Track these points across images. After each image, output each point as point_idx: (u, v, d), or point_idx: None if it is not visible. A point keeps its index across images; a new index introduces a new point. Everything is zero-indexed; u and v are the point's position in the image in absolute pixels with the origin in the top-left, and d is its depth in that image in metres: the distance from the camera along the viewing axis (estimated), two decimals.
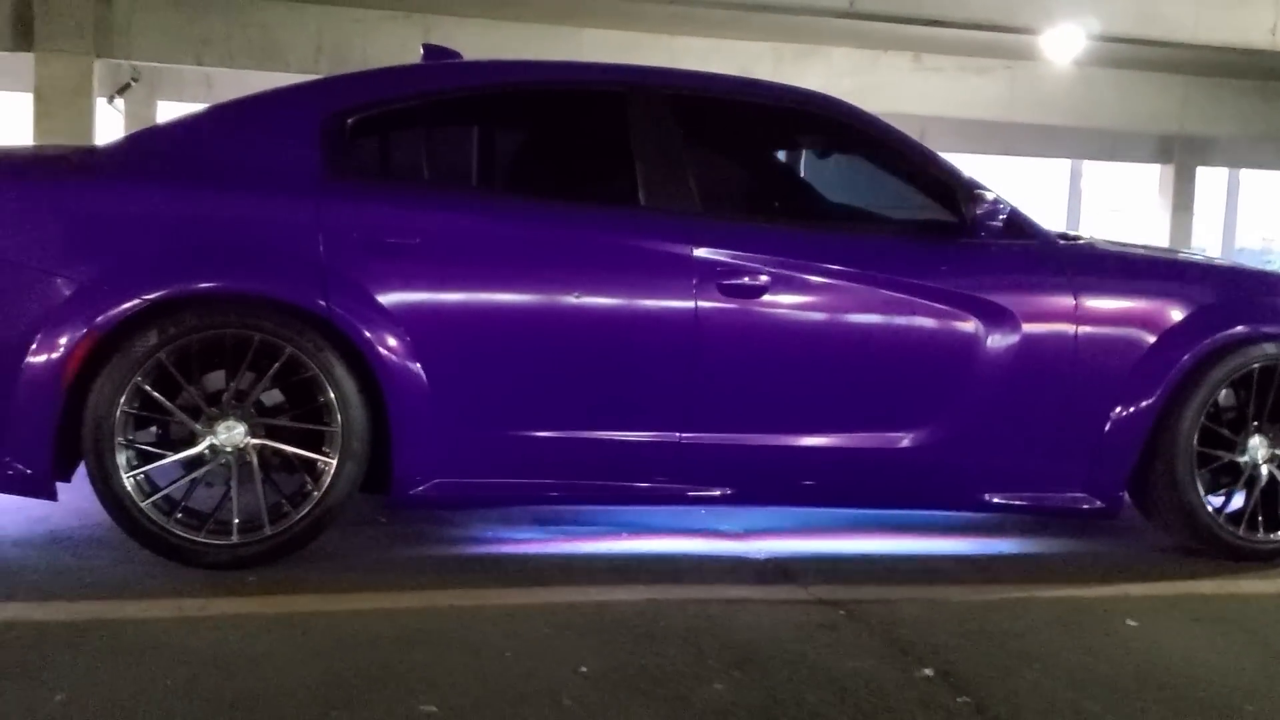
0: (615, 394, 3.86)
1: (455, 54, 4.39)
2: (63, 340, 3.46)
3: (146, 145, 3.91)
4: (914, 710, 2.88)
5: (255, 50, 14.69)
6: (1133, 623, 3.61)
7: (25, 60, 14.27)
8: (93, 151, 3.90)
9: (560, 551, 4.07)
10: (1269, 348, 4.25)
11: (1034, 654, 3.29)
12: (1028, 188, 37.00)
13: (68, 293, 3.48)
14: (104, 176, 3.69)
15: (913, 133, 16.68)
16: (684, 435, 3.91)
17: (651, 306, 3.86)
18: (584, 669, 3.03)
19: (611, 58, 15.33)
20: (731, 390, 3.93)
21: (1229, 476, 4.35)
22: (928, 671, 3.12)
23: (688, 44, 16.03)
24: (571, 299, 3.80)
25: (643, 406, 3.88)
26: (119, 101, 20.70)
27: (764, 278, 3.89)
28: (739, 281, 3.87)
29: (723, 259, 3.86)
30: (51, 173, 3.71)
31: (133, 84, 20.48)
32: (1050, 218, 30.79)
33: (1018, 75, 17.06)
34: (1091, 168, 32.38)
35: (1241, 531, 4.28)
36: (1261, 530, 4.32)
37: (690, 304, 3.84)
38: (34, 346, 3.45)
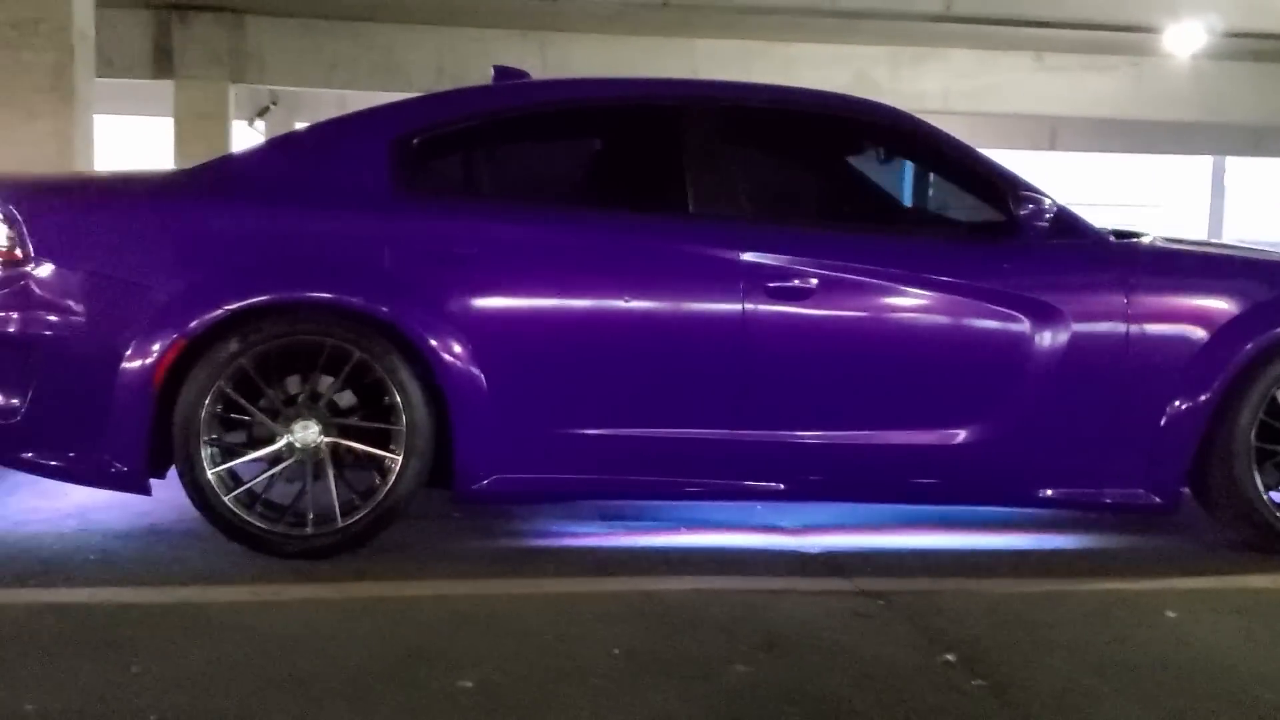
0: (667, 393, 4.04)
1: (523, 74, 4.62)
2: (154, 347, 3.77)
3: (234, 167, 4.23)
4: (927, 692, 3.01)
5: (380, 72, 15.23)
6: (1171, 614, 3.66)
7: (165, 87, 15.04)
8: (184, 173, 4.21)
9: (619, 545, 4.27)
10: None
11: (1062, 642, 3.38)
12: (1169, 185, 36.09)
13: (158, 304, 3.80)
14: (190, 198, 4.02)
15: (1043, 132, 16.84)
16: (736, 432, 4.07)
17: (701, 309, 4.03)
18: (617, 651, 3.22)
19: (724, 67, 15.57)
20: (782, 389, 4.08)
21: None
22: (950, 657, 3.24)
23: (802, 51, 16.12)
24: (624, 303, 4.00)
25: (694, 405, 4.05)
26: (260, 123, 21.62)
27: (812, 281, 4.03)
28: (787, 284, 4.02)
29: (770, 263, 4.02)
30: (144, 195, 4.05)
31: (272, 106, 21.38)
32: (1193, 215, 30.00)
33: (1144, 72, 16.76)
34: (1236, 163, 31.48)
35: None
36: None
37: (738, 306, 4.00)
38: (128, 353, 3.78)
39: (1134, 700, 3.00)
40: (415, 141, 4.09)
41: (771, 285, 4.01)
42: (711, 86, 4.39)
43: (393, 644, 3.23)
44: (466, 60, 15.45)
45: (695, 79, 4.53)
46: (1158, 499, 4.24)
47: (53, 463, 3.95)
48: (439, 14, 14.60)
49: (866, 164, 4.60)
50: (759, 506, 4.59)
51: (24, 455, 3.94)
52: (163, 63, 14.87)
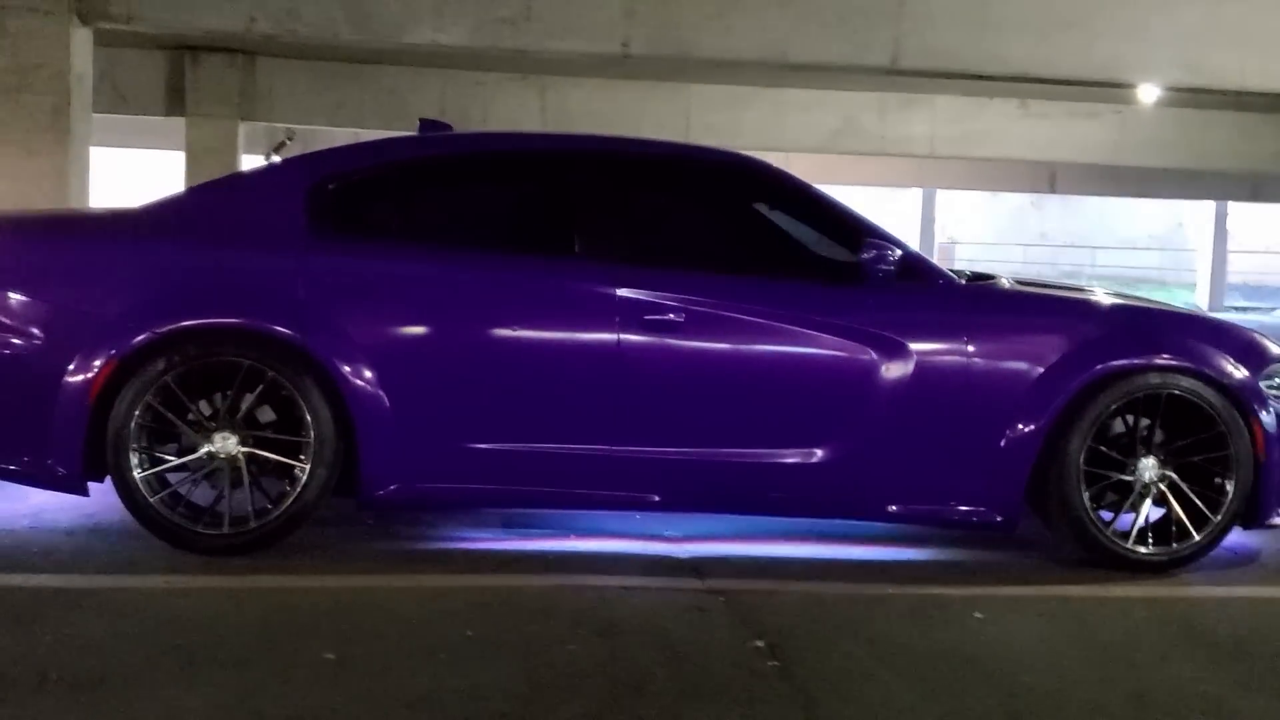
0: (551, 411, 4.54)
1: (447, 126, 5.18)
2: (91, 365, 4.30)
3: (172, 207, 4.75)
4: (724, 669, 3.48)
5: (384, 112, 15.82)
6: (979, 615, 4.11)
7: (177, 123, 15.70)
8: (128, 211, 4.73)
9: (510, 548, 4.74)
10: (1153, 377, 4.68)
11: (866, 635, 3.84)
12: (1175, 228, 36.43)
13: (96, 328, 4.33)
14: (128, 234, 4.56)
15: (1042, 176, 17.33)
16: (613, 448, 4.55)
17: (581, 339, 4.54)
18: (470, 633, 3.71)
19: (718, 111, 16.05)
20: (654, 410, 4.56)
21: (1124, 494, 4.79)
22: (759, 643, 3.71)
23: (792, 96, 16.63)
24: (513, 332, 4.51)
25: (575, 422, 4.54)
26: (275, 158, 22.30)
27: (681, 315, 4.52)
28: (657, 318, 4.51)
29: (643, 298, 4.51)
30: (87, 231, 4.60)
31: (288, 141, 22.07)
32: (1200, 258, 30.16)
33: (1127, 119, 17.18)
34: (1243, 207, 31.81)
35: (1130, 544, 4.71)
36: (1151, 543, 4.74)
37: (614, 337, 4.50)
38: (70, 370, 4.30)
39: (903, 680, 3.46)
40: (330, 187, 4.62)
41: (644, 318, 4.51)
42: (593, 141, 4.91)
43: (275, 625, 3.73)
44: (468, 102, 16.06)
45: (580, 134, 5.02)
46: (998, 516, 4.69)
47: (10, 467, 4.48)
48: (441, 58, 15.19)
49: (743, 211, 5.07)
50: (638, 516, 5.04)
51: None
52: (175, 101, 15.52)
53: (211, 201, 4.72)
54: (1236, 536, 5.15)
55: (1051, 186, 24.92)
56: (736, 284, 4.65)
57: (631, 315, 4.51)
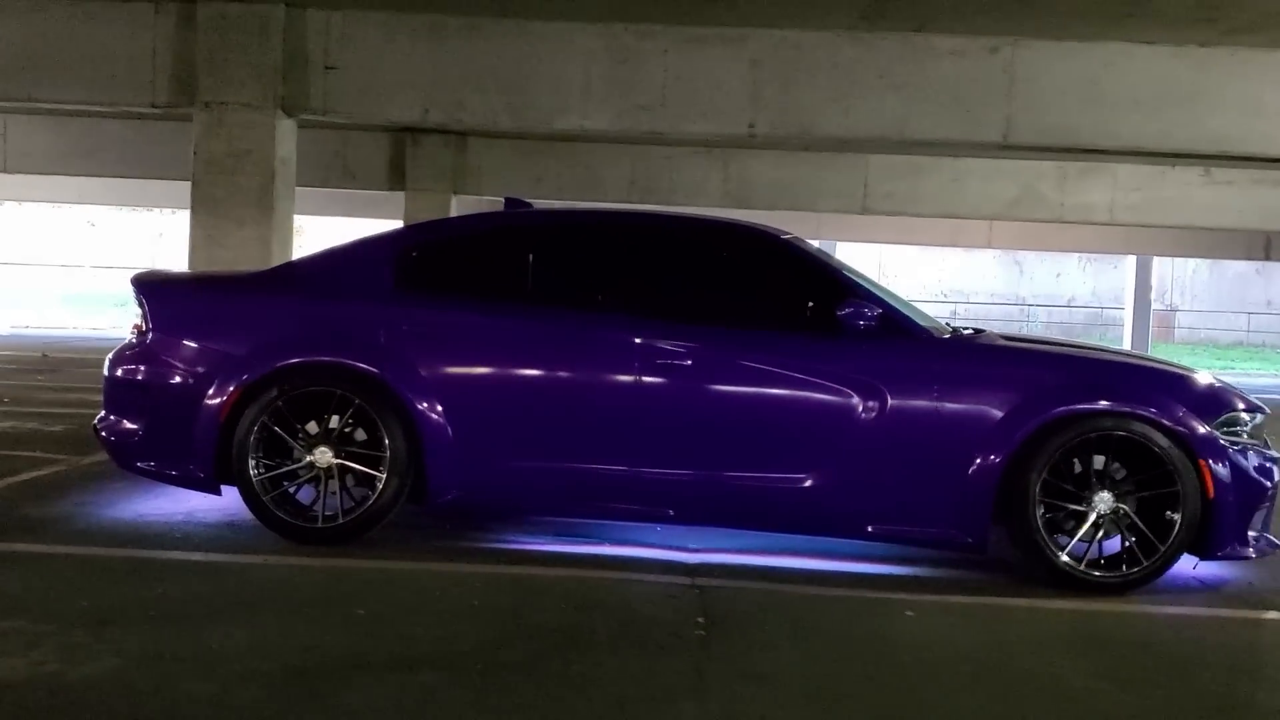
0: (581, 436, 5.54)
1: (527, 204, 6.28)
2: (224, 391, 5.55)
3: (291, 270, 6.01)
4: (658, 635, 4.37)
5: (579, 184, 17.23)
6: (910, 613, 4.86)
7: (398, 196, 17.48)
8: (258, 273, 6.00)
9: (545, 549, 5.72)
10: (1105, 421, 5.34)
11: (796, 620, 4.66)
12: None
13: (228, 363, 5.58)
14: (254, 291, 5.83)
15: (1257, 243, 17.70)
16: (634, 469, 5.51)
17: (606, 377, 5.53)
18: (475, 603, 4.72)
19: (896, 179, 16.81)
20: (667, 437, 5.51)
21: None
22: (700, 620, 4.58)
23: (971, 165, 17.24)
24: (550, 371, 5.55)
25: (601, 446, 5.52)
26: None
27: (689, 360, 5.47)
28: (668, 362, 5.47)
29: (656, 345, 5.48)
30: (224, 288, 5.90)
31: None
32: None
33: None
34: None
35: (1083, 567, 5.36)
36: (1103, 567, 5.37)
37: (633, 377, 5.47)
38: (208, 395, 5.56)
39: (799, 651, 4.28)
40: (413, 254, 5.78)
41: (657, 361, 5.47)
42: (615, 215, 5.93)
43: (332, 590, 4.84)
44: (656, 174, 17.33)
45: (612, 208, 6.07)
46: (968, 538, 5.42)
47: (171, 472, 5.77)
48: (632, 136, 16.47)
49: (744, 270, 5.95)
50: (657, 529, 5.96)
51: (145, 465, 5.78)
52: (397, 177, 17.30)
53: (323, 265, 5.95)
54: (1216, 569, 5.73)
55: (1266, 254, 24.46)
56: (736, 334, 5.57)
57: (647, 359, 5.47)
